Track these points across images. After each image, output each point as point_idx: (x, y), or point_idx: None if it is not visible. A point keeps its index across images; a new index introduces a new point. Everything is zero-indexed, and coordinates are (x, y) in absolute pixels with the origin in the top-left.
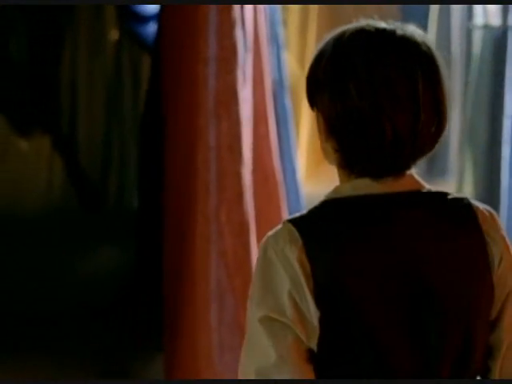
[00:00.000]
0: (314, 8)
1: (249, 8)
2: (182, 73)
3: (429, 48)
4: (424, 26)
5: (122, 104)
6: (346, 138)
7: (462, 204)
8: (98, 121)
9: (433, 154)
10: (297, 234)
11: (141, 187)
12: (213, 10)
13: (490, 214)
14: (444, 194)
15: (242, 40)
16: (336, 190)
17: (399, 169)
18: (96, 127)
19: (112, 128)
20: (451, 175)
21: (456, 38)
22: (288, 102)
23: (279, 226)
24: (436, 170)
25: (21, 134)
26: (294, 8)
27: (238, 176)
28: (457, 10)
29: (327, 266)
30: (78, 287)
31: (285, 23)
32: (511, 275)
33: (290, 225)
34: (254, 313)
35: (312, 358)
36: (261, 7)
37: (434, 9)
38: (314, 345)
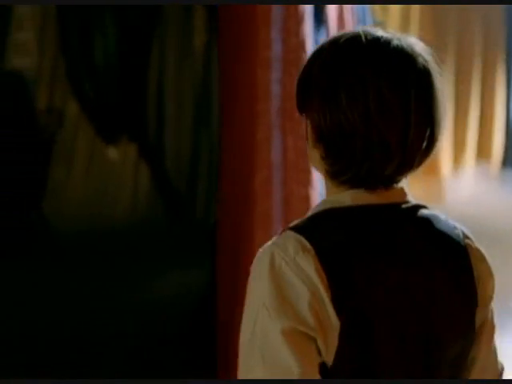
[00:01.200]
0: (415, 9)
1: (332, 7)
2: (239, 77)
3: (426, 61)
4: None
5: (210, 111)
6: (333, 147)
7: (453, 233)
8: (186, 129)
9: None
10: (307, 243)
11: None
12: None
13: (479, 251)
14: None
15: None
16: (335, 199)
17: (388, 181)
18: (184, 135)
19: (200, 136)
20: None
21: None
22: None
23: (281, 236)
24: None
25: (107, 142)
26: (395, 10)
27: (307, 200)
28: None
29: (343, 275)
30: (153, 307)
31: (383, 26)
32: (486, 310)
33: (296, 234)
34: (270, 326)
35: (323, 372)
36: (348, 7)
37: None
38: (329, 358)
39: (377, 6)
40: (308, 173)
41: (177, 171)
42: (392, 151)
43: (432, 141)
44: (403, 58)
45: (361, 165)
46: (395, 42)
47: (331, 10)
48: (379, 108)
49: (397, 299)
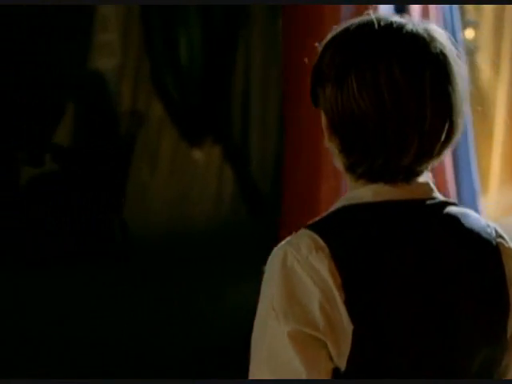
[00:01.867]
0: (509, 10)
1: (416, 7)
2: (306, 81)
3: (442, 46)
4: None
5: None
6: (347, 138)
7: (484, 231)
8: (271, 130)
9: None
10: (321, 241)
11: None
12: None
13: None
14: (463, 211)
15: None
16: (354, 195)
17: (407, 173)
18: (269, 136)
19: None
20: None
21: None
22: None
23: (296, 235)
24: None
25: (191, 144)
26: (488, 10)
27: None
28: None
29: (359, 276)
30: (237, 312)
31: (477, 26)
32: None
33: (310, 231)
34: (277, 328)
35: (336, 376)
36: (433, 7)
37: None
38: (342, 363)
39: (469, 6)
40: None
41: (261, 173)
42: (408, 140)
43: (451, 128)
44: (417, 42)
45: (376, 156)
46: (409, 27)
47: (414, 9)
48: (392, 94)
49: (418, 304)
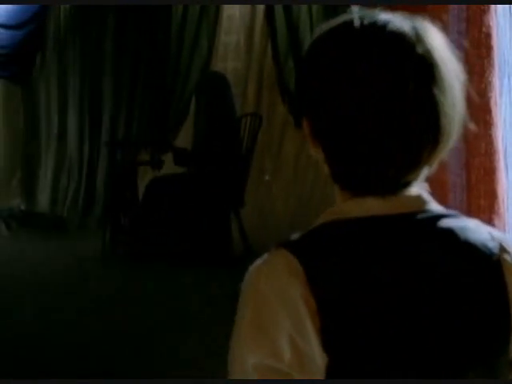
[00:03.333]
0: None
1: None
2: None
3: (430, 47)
4: None
5: None
6: (329, 147)
7: (484, 246)
8: None
9: None
10: (298, 264)
11: None
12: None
13: None
14: (461, 222)
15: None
16: (338, 209)
17: (395, 184)
18: None
19: None
20: None
21: None
22: None
23: (272, 253)
24: None
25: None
26: None
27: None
28: None
29: (337, 300)
30: None
31: None
32: None
33: (287, 252)
34: (244, 356)
35: None
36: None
37: None
38: None
39: None
40: (493, 198)
41: None
42: (391, 148)
43: (440, 134)
44: (400, 42)
45: (358, 165)
46: (394, 26)
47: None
48: (373, 99)
49: (407, 331)
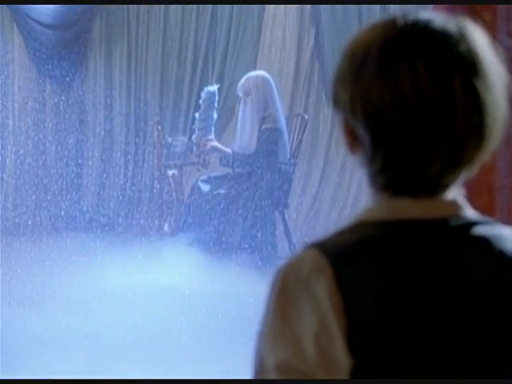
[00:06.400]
0: None
1: None
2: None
3: (475, 45)
4: None
5: None
6: (366, 144)
7: None
8: None
9: None
10: (326, 262)
11: None
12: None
13: None
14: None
15: None
16: (371, 210)
17: (434, 185)
18: None
19: None
20: None
21: None
22: None
23: (301, 252)
24: None
25: None
26: None
27: None
28: None
29: (365, 301)
30: None
31: None
32: None
33: (315, 250)
34: (268, 355)
35: None
36: None
37: None
38: None
39: None
40: None
41: None
42: (434, 147)
43: (484, 133)
44: (445, 40)
45: (398, 165)
46: (437, 24)
47: None
48: (416, 97)
49: (432, 341)
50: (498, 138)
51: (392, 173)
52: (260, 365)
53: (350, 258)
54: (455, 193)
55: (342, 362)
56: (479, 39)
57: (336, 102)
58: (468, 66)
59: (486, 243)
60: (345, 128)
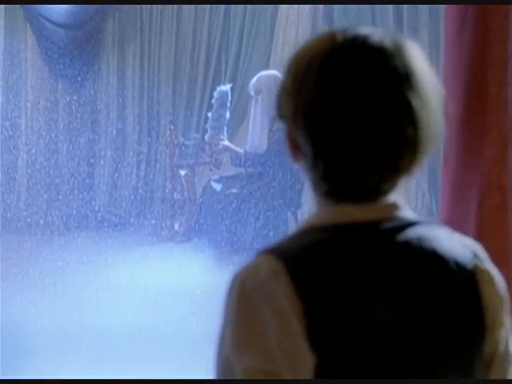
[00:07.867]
0: None
1: None
2: (465, 82)
3: (411, 59)
4: None
5: None
6: (311, 154)
7: (457, 253)
8: None
9: None
10: (281, 266)
11: None
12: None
13: (488, 272)
14: (440, 230)
15: None
16: (316, 216)
17: (373, 191)
18: None
19: None
20: None
21: None
22: None
23: (254, 259)
24: None
25: None
26: None
27: None
28: None
29: (321, 301)
30: None
31: None
32: (496, 338)
33: (269, 256)
34: (237, 362)
35: None
36: None
37: None
38: None
39: None
40: None
41: None
42: (373, 157)
43: (419, 143)
44: (381, 54)
45: (339, 173)
46: (375, 39)
47: None
48: (355, 109)
49: (385, 333)
50: (432, 150)
51: (334, 180)
52: (228, 372)
53: (304, 261)
54: (396, 196)
55: (307, 360)
56: (415, 54)
57: (280, 113)
58: (403, 79)
59: (417, 243)
60: (288, 138)
